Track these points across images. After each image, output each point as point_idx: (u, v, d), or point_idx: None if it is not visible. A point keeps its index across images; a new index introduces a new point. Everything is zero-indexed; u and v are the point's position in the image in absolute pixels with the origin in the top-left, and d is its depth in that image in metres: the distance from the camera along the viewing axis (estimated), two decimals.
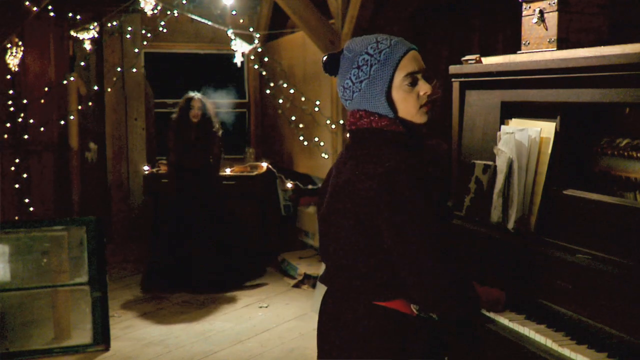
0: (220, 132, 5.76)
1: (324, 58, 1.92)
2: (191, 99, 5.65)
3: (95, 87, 7.07)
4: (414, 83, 1.82)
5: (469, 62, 2.56)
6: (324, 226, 1.92)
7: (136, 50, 7.07)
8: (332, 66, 1.91)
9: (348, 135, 1.92)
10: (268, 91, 7.12)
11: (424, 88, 1.82)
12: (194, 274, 5.62)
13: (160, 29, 6.80)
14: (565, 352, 1.76)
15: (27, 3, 4.96)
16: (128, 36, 7.05)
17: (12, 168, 6.68)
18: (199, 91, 5.83)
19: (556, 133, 2.15)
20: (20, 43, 6.34)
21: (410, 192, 1.69)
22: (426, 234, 1.69)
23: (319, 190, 2.02)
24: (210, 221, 5.69)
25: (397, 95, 1.81)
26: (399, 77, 1.80)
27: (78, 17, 6.64)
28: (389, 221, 1.71)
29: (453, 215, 2.48)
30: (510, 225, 2.20)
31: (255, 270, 6.05)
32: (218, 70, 7.84)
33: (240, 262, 5.90)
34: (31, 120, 6.75)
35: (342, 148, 2.43)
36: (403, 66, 1.80)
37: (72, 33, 6.54)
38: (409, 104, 1.82)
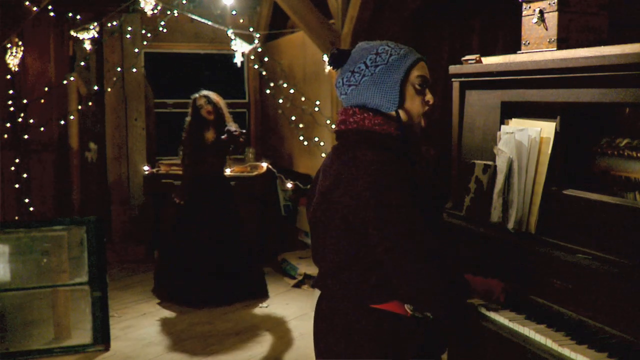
0: (237, 129, 5.45)
1: (334, 50, 1.92)
2: (195, 99, 5.46)
3: (95, 87, 7.07)
4: (423, 85, 1.88)
5: (469, 62, 2.56)
6: (314, 230, 1.92)
7: (136, 50, 7.07)
8: (341, 59, 1.91)
9: (335, 136, 1.93)
10: (268, 91, 7.12)
11: (430, 97, 1.89)
12: (202, 288, 5.32)
13: (160, 29, 6.81)
14: (565, 352, 1.76)
15: (27, 3, 4.95)
16: (128, 36, 7.04)
17: (12, 168, 6.67)
18: (198, 91, 5.56)
19: (556, 133, 2.14)
20: (20, 43, 6.33)
21: (394, 194, 1.71)
22: (410, 233, 1.70)
23: (307, 194, 2.02)
24: (225, 232, 5.44)
25: (409, 90, 1.87)
26: (414, 73, 1.87)
27: (78, 17, 6.64)
28: (374, 222, 1.72)
29: (441, 216, 2.48)
30: (510, 225, 2.19)
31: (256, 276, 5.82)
32: (218, 70, 7.84)
33: (246, 273, 5.56)
34: (31, 120, 6.75)
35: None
36: (418, 68, 1.88)
37: (72, 33, 6.53)
38: (414, 104, 1.88)
